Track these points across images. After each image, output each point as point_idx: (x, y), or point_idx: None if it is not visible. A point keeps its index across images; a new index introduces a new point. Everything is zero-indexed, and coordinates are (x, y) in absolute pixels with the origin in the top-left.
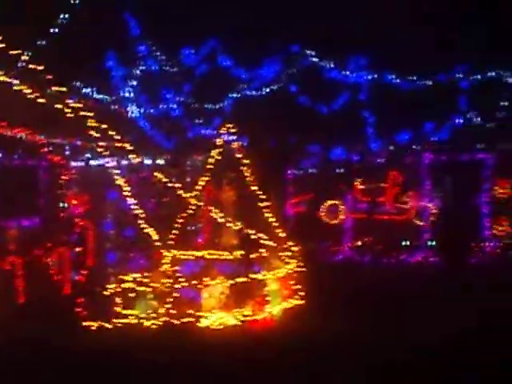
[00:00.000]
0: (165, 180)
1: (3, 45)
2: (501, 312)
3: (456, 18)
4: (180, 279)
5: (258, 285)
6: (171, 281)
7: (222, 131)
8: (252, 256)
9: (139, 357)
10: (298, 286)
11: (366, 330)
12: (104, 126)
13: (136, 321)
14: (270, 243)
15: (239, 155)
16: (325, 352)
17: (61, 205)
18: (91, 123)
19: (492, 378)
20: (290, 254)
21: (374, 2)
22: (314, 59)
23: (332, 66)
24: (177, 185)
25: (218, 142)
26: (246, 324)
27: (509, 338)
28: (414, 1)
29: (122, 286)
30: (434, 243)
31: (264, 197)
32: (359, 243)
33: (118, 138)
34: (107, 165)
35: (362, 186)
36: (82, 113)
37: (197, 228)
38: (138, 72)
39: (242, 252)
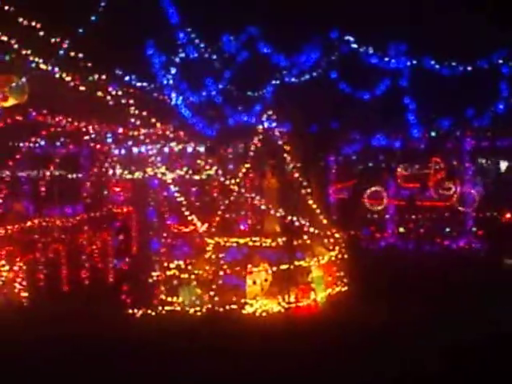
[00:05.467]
0: (207, 167)
1: (43, 33)
2: None
3: (496, 1)
4: (223, 266)
5: (301, 271)
6: (215, 268)
7: (263, 118)
8: (295, 243)
9: (183, 344)
10: (342, 273)
11: (410, 318)
12: (145, 114)
13: (180, 308)
14: (313, 230)
15: (281, 142)
16: (368, 339)
17: (104, 192)
18: (132, 111)
19: None
20: (333, 240)
21: None
22: (354, 45)
23: (371, 52)
24: (219, 172)
25: (259, 129)
26: (290, 311)
27: None
28: None
29: (166, 273)
30: (476, 229)
31: (306, 183)
32: (402, 229)
33: (159, 125)
34: (149, 152)
35: (404, 173)
36: (123, 100)
37: (239, 215)
38: (177, 59)
39: (285, 239)
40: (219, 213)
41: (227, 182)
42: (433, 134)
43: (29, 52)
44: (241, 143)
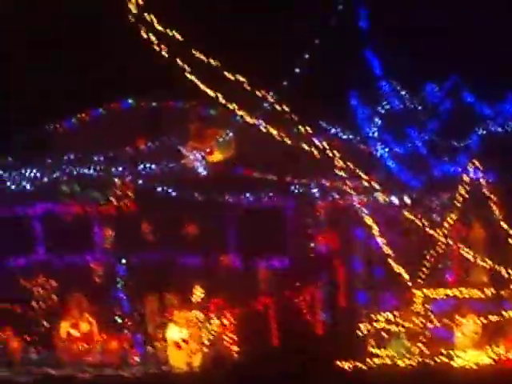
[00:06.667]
0: (412, 218)
1: (249, 86)
2: None
3: None
4: (432, 318)
5: (510, 323)
6: (423, 320)
7: (468, 168)
8: (504, 293)
9: None
10: None
11: None
12: (351, 165)
13: (390, 360)
14: None
15: (487, 192)
16: None
17: (310, 244)
18: (338, 162)
19: None
20: None
21: None
22: None
23: None
24: (425, 223)
25: (465, 178)
26: (500, 363)
27: None
28: None
29: (375, 325)
30: None
31: None
32: None
33: (365, 176)
34: (354, 203)
35: None
36: (328, 152)
37: (446, 266)
38: (382, 110)
39: (493, 289)
40: (426, 264)
41: (434, 233)
42: None
43: (235, 106)
44: (446, 193)
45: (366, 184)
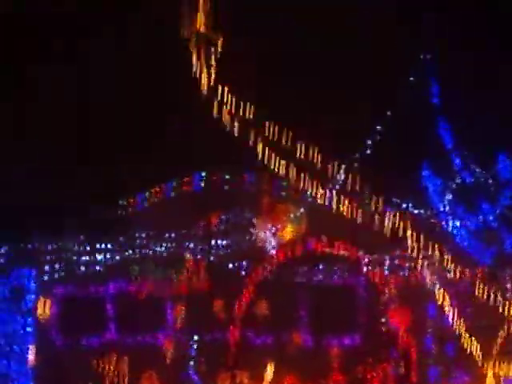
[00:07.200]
0: (484, 294)
1: (320, 162)
2: None
3: None
4: None
5: None
6: None
7: None
8: None
9: None
10: None
11: None
12: (422, 240)
13: None
14: None
15: None
16: None
17: (381, 320)
18: (409, 237)
19: None
20: None
21: None
22: None
23: None
24: (498, 298)
25: None
26: None
27: None
28: None
29: None
30: None
31: None
32: None
33: (437, 251)
34: (426, 279)
35: None
36: (399, 227)
37: None
38: (453, 185)
39: None
40: (500, 339)
41: (506, 309)
42: None
43: (306, 181)
44: None
45: (437, 259)
